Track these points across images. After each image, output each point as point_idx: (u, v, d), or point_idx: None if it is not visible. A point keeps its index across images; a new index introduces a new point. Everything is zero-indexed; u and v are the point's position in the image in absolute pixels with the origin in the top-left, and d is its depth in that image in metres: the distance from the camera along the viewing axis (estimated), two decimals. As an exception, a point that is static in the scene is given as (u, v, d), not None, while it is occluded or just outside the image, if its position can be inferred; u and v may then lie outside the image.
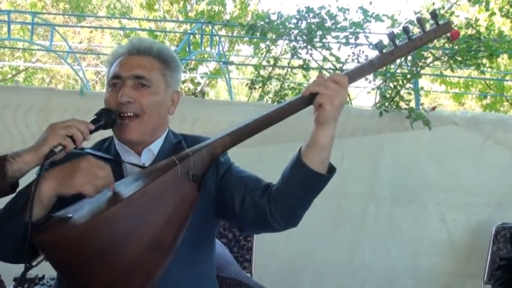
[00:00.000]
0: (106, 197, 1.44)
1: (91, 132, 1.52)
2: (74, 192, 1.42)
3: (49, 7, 16.21)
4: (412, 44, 1.56)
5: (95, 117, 1.57)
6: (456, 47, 4.13)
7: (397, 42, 1.56)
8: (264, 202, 1.53)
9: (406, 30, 1.55)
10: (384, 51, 1.56)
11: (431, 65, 4.67)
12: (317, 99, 1.42)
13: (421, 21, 1.56)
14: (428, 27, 1.60)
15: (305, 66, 4.75)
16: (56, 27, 9.28)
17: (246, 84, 5.36)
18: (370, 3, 5.82)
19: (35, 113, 4.03)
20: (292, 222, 1.56)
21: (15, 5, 15.51)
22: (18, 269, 1.48)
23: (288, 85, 5.26)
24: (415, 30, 2.12)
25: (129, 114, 1.62)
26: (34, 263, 1.40)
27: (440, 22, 1.57)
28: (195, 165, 1.52)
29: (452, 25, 4.16)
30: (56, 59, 13.92)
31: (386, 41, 1.58)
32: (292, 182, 1.48)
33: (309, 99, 1.46)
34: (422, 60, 4.32)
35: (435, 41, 4.51)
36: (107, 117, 1.58)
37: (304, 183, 1.47)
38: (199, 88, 12.34)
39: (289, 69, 5.06)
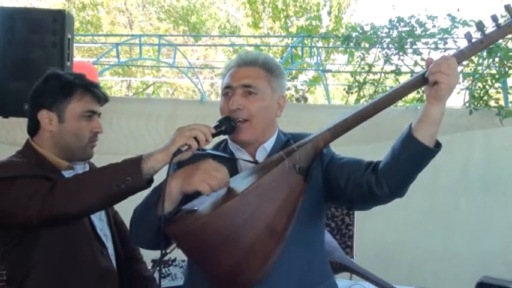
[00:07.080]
0: (224, 192, 1.49)
1: (213, 135, 1.58)
2: (192, 190, 1.48)
3: (171, 30, 16.96)
4: (501, 31, 1.45)
5: (217, 123, 1.63)
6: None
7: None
8: (368, 176, 1.51)
9: (494, 18, 1.45)
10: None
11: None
12: (437, 77, 1.38)
13: (509, 9, 1.43)
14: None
15: (397, 71, 4.67)
16: (178, 47, 9.63)
17: (344, 89, 5.31)
18: (458, 10, 5.59)
19: (163, 120, 4.29)
20: (399, 192, 1.51)
21: (144, 30, 16.37)
22: (155, 252, 1.56)
23: (382, 89, 5.16)
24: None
25: (240, 119, 1.66)
26: (168, 251, 1.48)
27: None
28: (300, 159, 1.53)
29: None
30: (178, 74, 14.50)
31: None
32: (403, 155, 1.44)
33: (421, 82, 1.44)
34: (511, 61, 4.07)
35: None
36: (227, 124, 1.63)
37: (414, 156, 1.43)
38: (300, 94, 12.39)
39: (382, 75, 4.97)
